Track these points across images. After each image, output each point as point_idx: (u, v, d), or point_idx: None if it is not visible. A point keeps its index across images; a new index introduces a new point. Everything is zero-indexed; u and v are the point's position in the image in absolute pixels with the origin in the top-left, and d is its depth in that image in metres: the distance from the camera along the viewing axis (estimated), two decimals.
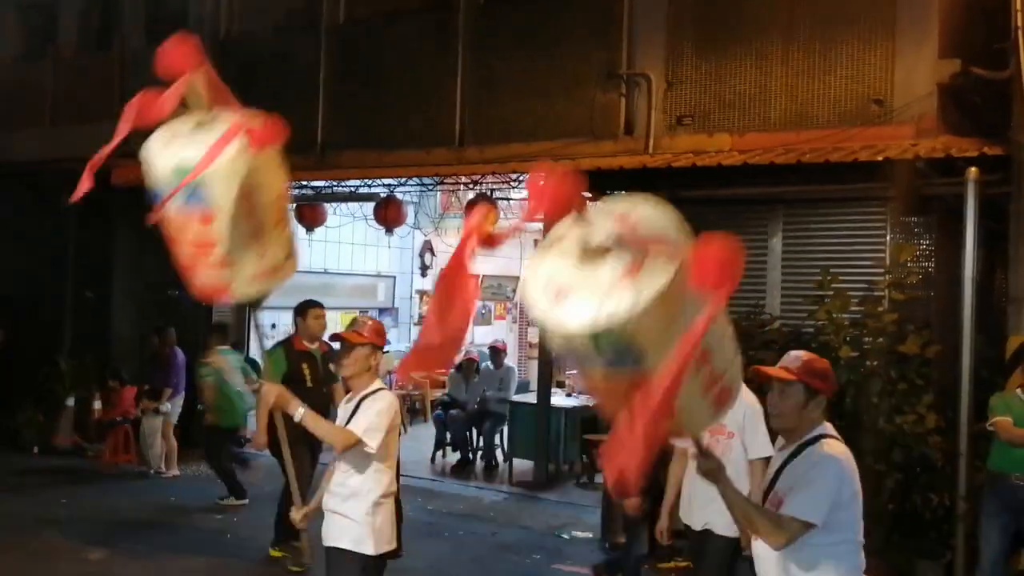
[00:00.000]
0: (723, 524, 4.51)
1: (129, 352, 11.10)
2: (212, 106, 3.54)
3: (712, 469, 2.99)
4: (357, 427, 4.03)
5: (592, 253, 2.44)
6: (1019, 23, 6.30)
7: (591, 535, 7.86)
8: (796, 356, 3.22)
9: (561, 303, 2.40)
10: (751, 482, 4.48)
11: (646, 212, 2.52)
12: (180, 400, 9.89)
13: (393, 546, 4.22)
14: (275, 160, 3.66)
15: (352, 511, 4.09)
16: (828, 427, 3.23)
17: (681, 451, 4.76)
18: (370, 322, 4.31)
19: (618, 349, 2.36)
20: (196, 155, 3.38)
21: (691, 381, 2.46)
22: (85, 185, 3.53)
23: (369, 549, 4.08)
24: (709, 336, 2.39)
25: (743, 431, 4.59)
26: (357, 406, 4.12)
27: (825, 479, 3.07)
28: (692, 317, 2.33)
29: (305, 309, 6.96)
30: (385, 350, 12.64)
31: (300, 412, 4.02)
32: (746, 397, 4.48)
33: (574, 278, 2.43)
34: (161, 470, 9.76)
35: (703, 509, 4.62)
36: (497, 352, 11.08)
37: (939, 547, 6.14)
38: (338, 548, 4.13)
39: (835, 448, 3.16)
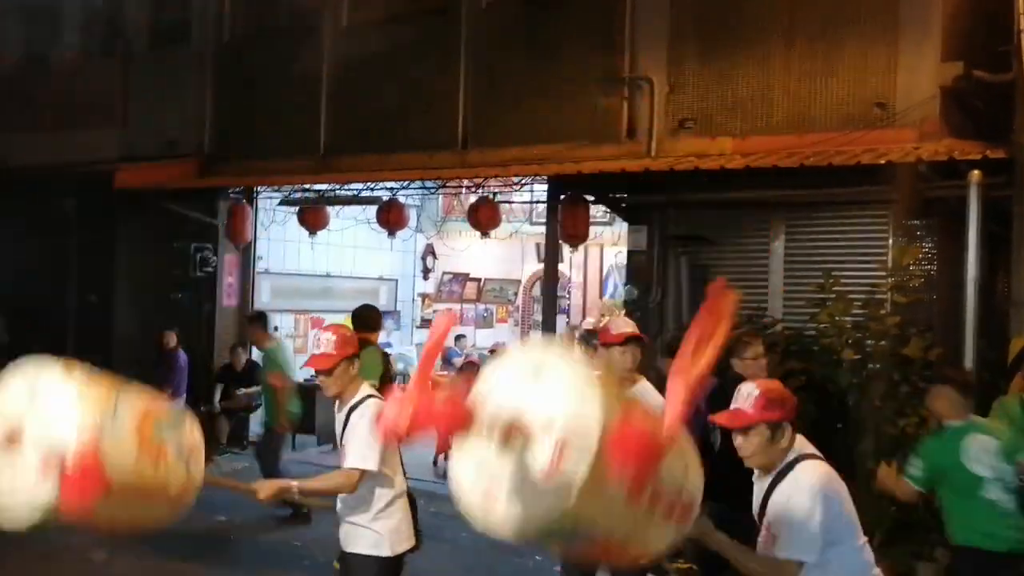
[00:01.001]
0: None
1: (132, 355, 11.09)
2: None
3: (704, 532, 3.01)
4: (352, 458, 3.95)
5: (512, 440, 2.35)
6: (1021, 26, 6.29)
7: None
8: (748, 393, 3.14)
9: (493, 507, 2.39)
10: None
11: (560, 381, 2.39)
12: (180, 402, 9.88)
13: (412, 543, 4.19)
14: None
15: (363, 519, 4.06)
16: (801, 446, 3.19)
17: None
18: (333, 336, 4.06)
19: (564, 534, 2.39)
20: None
21: (648, 522, 2.48)
22: None
23: (385, 552, 4.07)
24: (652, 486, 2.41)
25: None
26: (347, 419, 4.06)
27: (812, 516, 3.03)
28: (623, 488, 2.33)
29: None
30: (389, 351, 12.53)
31: (295, 487, 3.98)
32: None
33: (499, 474, 2.37)
34: None
35: None
36: (495, 355, 11.03)
37: (940, 549, 6.13)
38: (355, 553, 4.13)
39: (813, 473, 3.11)
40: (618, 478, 2.31)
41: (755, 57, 7.70)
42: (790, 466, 3.13)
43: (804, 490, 3.06)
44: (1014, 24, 6.42)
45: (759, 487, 3.24)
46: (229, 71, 10.54)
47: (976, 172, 6.31)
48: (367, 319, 7.14)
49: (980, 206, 6.29)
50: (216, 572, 6.90)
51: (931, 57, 6.92)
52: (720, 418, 3.17)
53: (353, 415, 4.02)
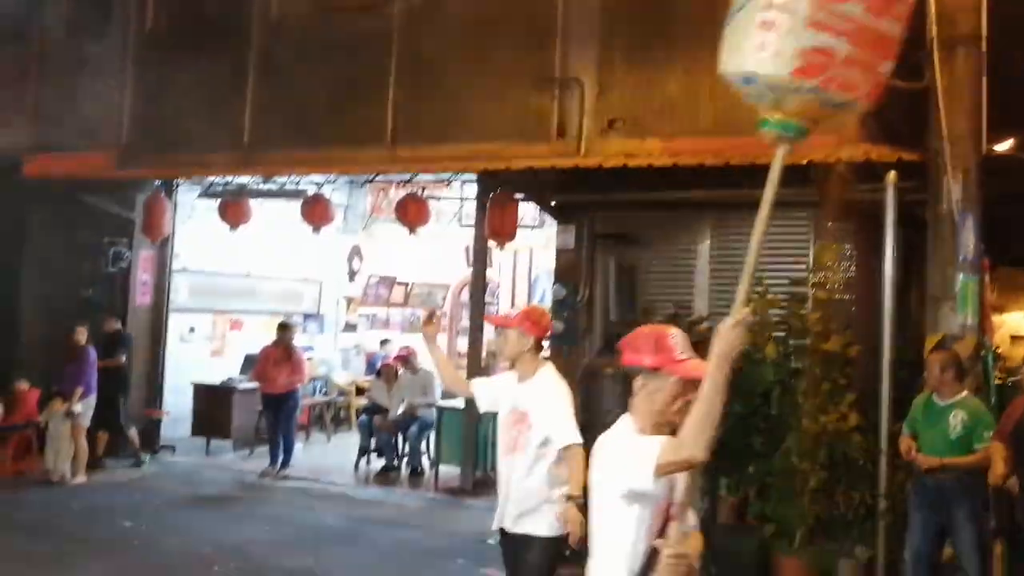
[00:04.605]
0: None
1: (37, 355, 10.61)
2: None
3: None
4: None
5: None
6: (934, 34, 6.49)
7: None
8: None
9: None
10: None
11: None
12: (92, 401, 9.47)
13: None
14: None
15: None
16: None
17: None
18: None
19: None
20: None
21: None
22: None
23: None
24: None
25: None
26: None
27: None
28: None
29: None
30: (308, 356, 12.30)
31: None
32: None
33: None
34: (66, 478, 9.29)
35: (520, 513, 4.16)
36: (406, 360, 10.85)
37: (861, 545, 6.22)
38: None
39: None
40: None
41: (683, 60, 7.76)
42: None
43: None
44: (926, 33, 6.62)
45: None
46: (151, 60, 10.19)
47: (892, 173, 6.48)
48: None
49: (897, 206, 6.45)
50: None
51: None
52: None
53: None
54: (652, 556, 2.65)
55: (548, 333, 4.31)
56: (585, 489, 4.02)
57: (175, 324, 11.40)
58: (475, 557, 7.32)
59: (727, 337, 2.42)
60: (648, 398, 2.75)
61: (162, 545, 7.30)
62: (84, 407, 9.36)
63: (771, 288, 6.92)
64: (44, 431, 9.52)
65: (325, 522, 8.38)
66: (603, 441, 2.79)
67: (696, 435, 2.43)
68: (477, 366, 9.43)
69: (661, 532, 2.67)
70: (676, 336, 2.82)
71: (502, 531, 4.26)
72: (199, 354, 11.98)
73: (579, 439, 4.05)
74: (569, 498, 4.00)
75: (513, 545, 4.20)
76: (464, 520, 8.48)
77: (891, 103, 7.03)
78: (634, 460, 2.60)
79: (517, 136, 8.25)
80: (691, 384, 2.66)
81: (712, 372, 2.43)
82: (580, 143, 8.05)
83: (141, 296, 10.86)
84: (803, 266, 7.09)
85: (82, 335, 9.47)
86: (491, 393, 4.41)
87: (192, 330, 11.78)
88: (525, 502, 4.09)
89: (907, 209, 6.65)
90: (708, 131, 7.57)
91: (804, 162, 6.57)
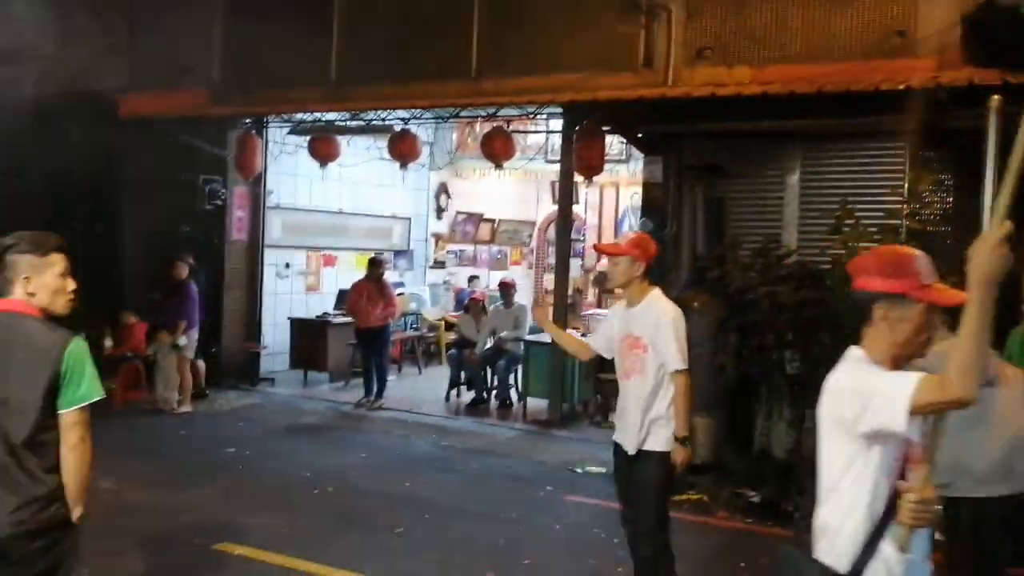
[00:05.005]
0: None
1: (140, 289, 11.03)
2: None
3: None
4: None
5: None
6: None
7: (605, 470, 7.89)
8: None
9: None
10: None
11: None
12: (195, 334, 9.91)
13: None
14: None
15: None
16: None
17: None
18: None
19: None
20: None
21: None
22: None
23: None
24: None
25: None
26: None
27: None
28: None
29: None
30: (399, 291, 12.46)
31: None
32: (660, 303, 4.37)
33: None
34: (173, 407, 9.76)
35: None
36: (507, 288, 10.93)
37: None
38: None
39: None
40: None
41: None
42: None
43: None
44: None
45: None
46: None
47: (996, 96, 6.15)
48: None
49: (999, 131, 6.16)
50: (227, 498, 6.91)
51: None
52: None
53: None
54: (893, 500, 2.41)
55: (654, 259, 4.45)
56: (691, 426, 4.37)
57: (271, 260, 11.73)
58: (563, 485, 7.49)
59: (988, 259, 2.19)
60: (890, 328, 2.46)
61: (265, 469, 7.66)
62: (188, 340, 9.80)
63: (863, 219, 6.77)
64: (152, 362, 10.00)
65: (418, 449, 8.67)
66: (836, 375, 2.52)
67: (964, 372, 2.17)
68: (563, 302, 9.49)
69: (901, 475, 2.43)
70: (922, 258, 2.53)
71: (619, 453, 4.50)
72: (295, 289, 12.35)
73: (685, 365, 4.26)
74: (677, 439, 4.30)
75: (633, 463, 4.42)
76: (551, 450, 8.65)
77: (999, 24, 6.71)
78: (882, 397, 2.32)
79: (603, 66, 8.16)
80: (936, 312, 2.47)
81: (975, 300, 2.20)
82: (667, 72, 7.92)
83: (237, 232, 11.17)
84: (898, 197, 6.87)
85: (183, 270, 9.79)
86: (603, 339, 4.62)
87: (288, 266, 12.12)
88: (644, 423, 4.33)
89: (1010, 136, 6.36)
90: (799, 58, 7.37)
91: (901, 87, 6.34)
